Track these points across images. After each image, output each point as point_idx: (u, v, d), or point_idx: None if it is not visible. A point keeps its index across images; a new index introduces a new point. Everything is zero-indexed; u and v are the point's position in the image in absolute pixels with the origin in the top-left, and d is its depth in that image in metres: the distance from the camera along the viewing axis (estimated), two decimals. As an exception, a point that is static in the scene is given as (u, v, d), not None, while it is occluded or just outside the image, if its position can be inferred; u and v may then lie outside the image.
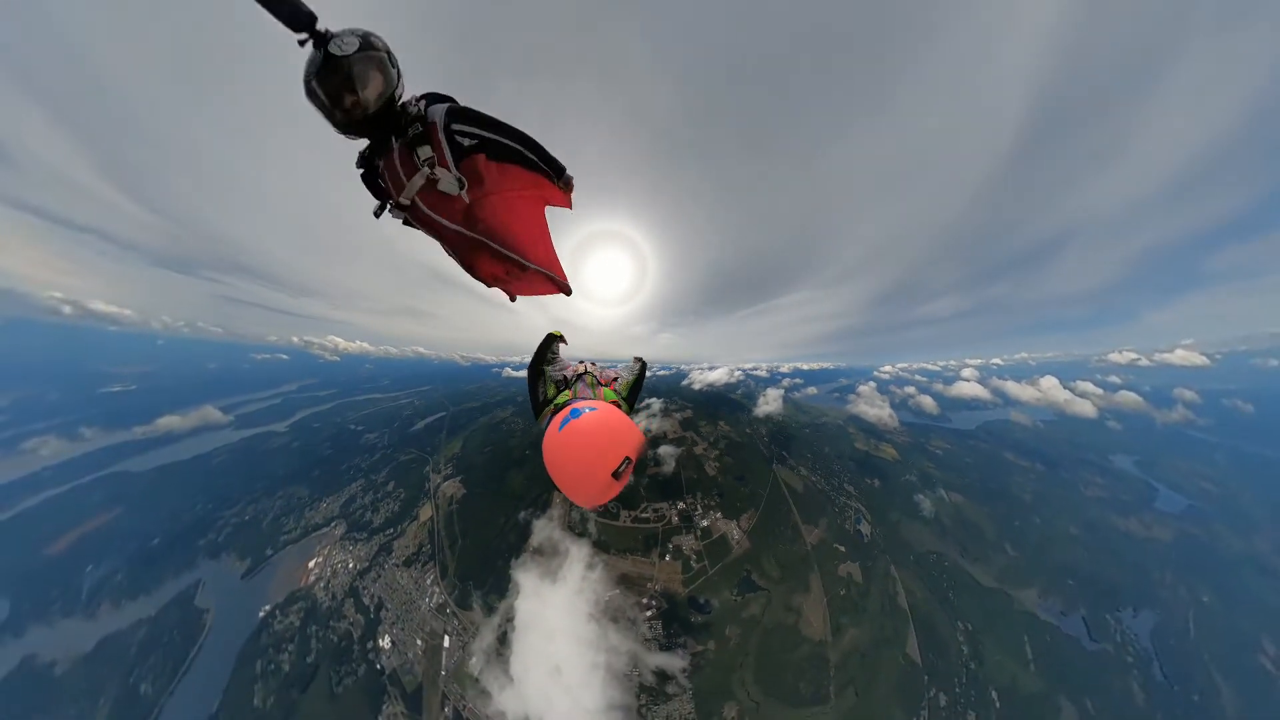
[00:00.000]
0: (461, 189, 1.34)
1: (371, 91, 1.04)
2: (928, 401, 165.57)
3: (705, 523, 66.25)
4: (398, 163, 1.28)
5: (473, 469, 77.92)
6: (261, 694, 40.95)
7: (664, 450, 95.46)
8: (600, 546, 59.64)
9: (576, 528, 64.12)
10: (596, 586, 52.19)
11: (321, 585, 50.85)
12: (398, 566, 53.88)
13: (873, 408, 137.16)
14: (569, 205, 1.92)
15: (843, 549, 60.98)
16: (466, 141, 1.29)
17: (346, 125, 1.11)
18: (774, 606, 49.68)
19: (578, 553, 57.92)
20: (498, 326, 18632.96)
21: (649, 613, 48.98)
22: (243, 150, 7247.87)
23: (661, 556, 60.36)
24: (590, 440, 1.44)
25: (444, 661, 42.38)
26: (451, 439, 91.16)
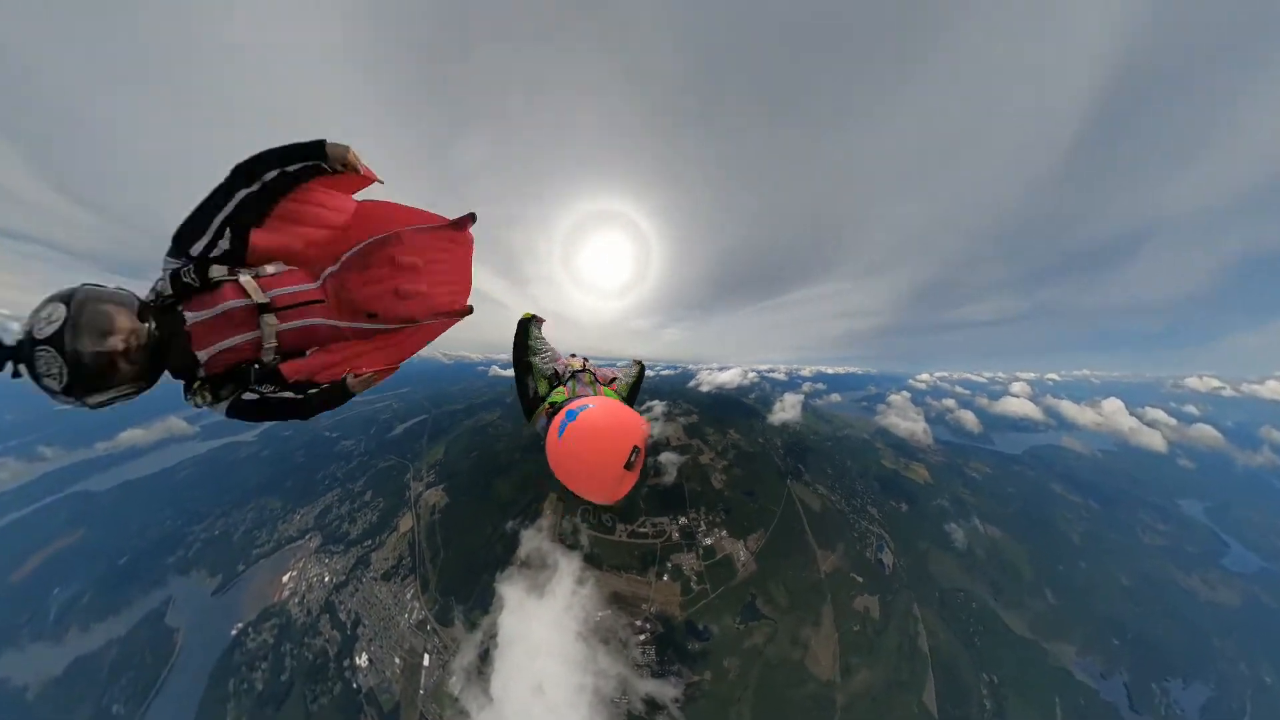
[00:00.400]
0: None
1: (118, 342, 0.85)
2: (969, 418, 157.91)
3: (709, 541, 67.11)
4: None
5: (456, 476, 79.26)
6: (234, 713, 42.57)
7: (666, 458, 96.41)
8: (592, 561, 60.91)
9: (567, 540, 65.42)
10: (587, 604, 53.54)
11: (296, 600, 52.41)
12: (376, 580, 55.34)
13: (905, 421, 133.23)
14: (366, 177, 1.50)
15: (860, 579, 60.91)
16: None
17: (138, 380, 0.94)
18: (779, 638, 50.20)
19: (568, 567, 59.22)
20: (484, 322, 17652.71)
21: (642, 636, 50.18)
22: (187, 139, 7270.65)
23: (659, 576, 61.47)
24: (594, 439, 1.45)
25: (423, 680, 43.81)
26: (434, 444, 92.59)
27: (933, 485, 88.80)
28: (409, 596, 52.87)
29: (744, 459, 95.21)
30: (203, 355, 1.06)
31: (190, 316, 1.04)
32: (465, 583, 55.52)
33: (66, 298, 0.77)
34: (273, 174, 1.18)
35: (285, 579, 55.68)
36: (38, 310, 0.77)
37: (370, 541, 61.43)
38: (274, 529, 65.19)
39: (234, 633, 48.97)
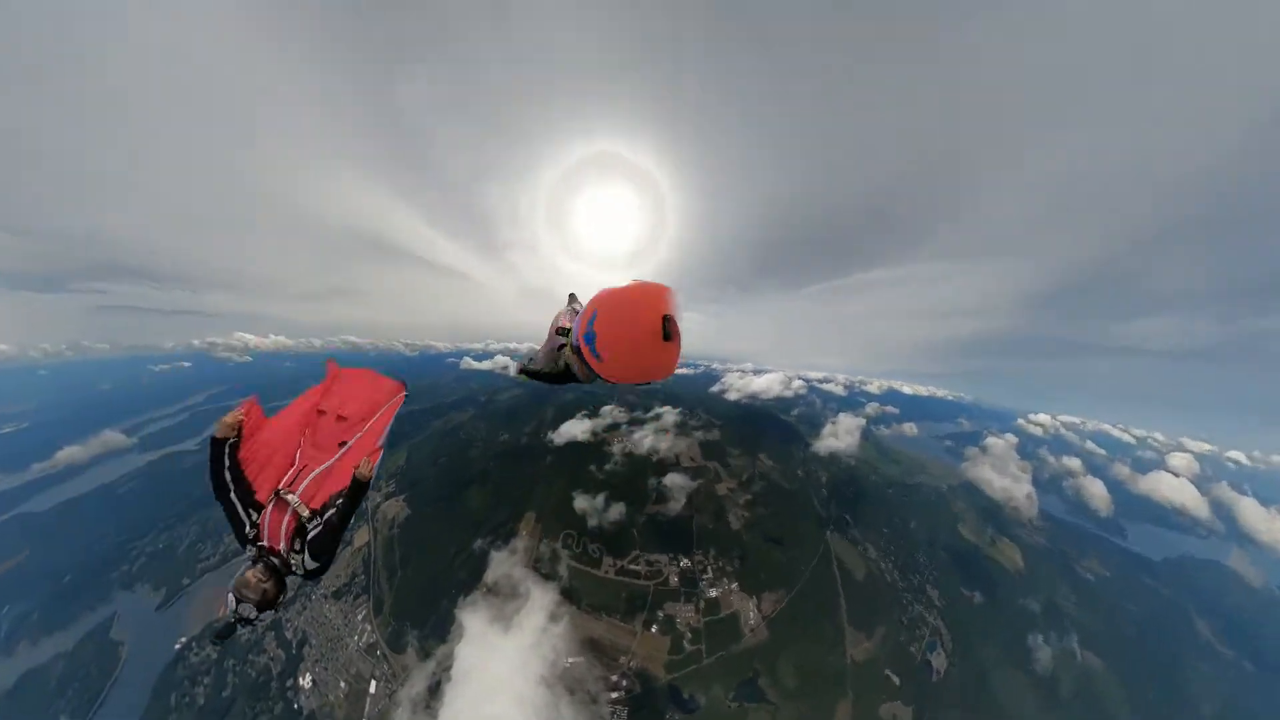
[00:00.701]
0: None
1: (271, 588, 3.18)
2: (1097, 491, 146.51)
3: (713, 593, 71.04)
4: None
5: (420, 486, 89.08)
6: (176, 727, 52.88)
7: (673, 481, 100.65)
8: (570, 596, 67.44)
9: (544, 567, 72.43)
10: (557, 645, 60.50)
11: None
12: (326, 599, 65.03)
13: (1003, 477, 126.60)
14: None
15: (896, 680, 61.63)
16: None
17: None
18: (779, 731, 52.76)
19: (541, 599, 66.15)
20: (455, 303, 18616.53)
21: (615, 694, 55.69)
22: (87, 135, 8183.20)
23: (647, 625, 66.56)
24: (618, 330, 2.23)
25: (367, 708, 51.92)
26: (394, 449, 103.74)
27: (1024, 577, 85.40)
28: (360, 618, 61.79)
29: (774, 494, 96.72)
30: (283, 546, 3.43)
31: (269, 543, 3.48)
32: (423, 606, 63.59)
33: (232, 590, 3.07)
34: (224, 486, 3.55)
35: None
36: (234, 608, 3.01)
37: (320, 557, 71.48)
38: (220, 542, 77.64)
39: (177, 647, 60.28)
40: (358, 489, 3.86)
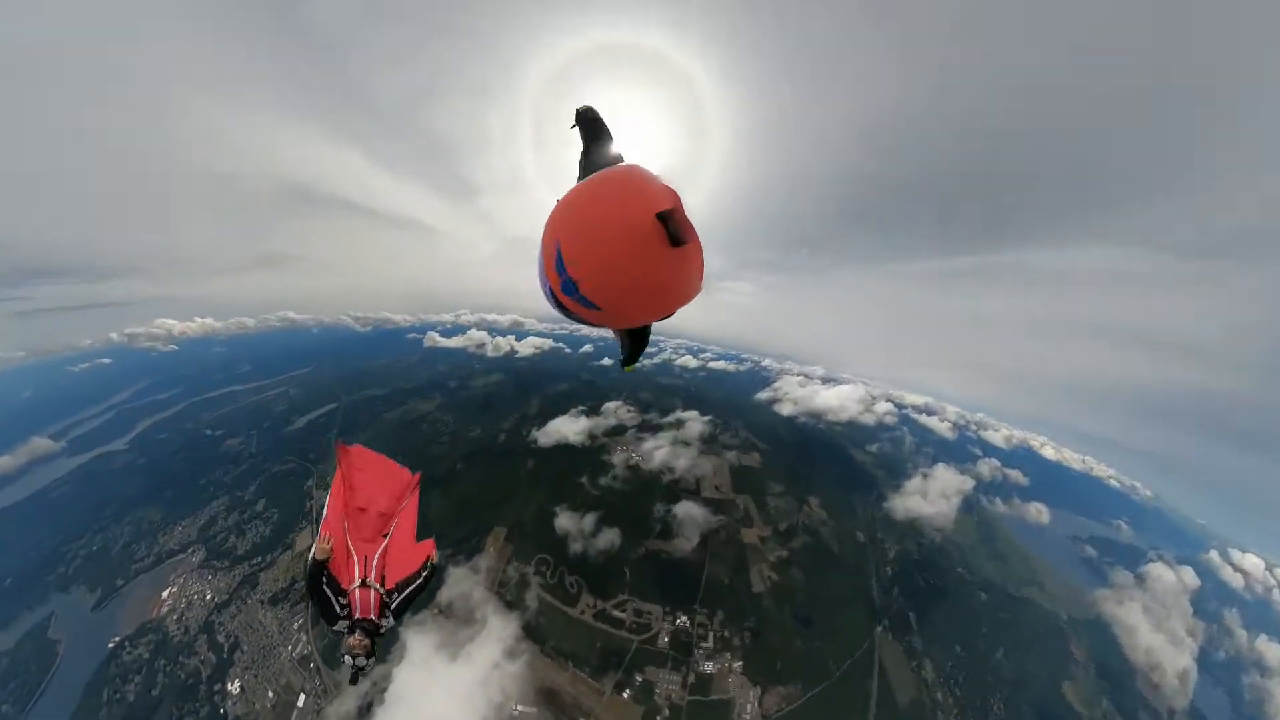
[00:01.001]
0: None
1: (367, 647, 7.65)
2: None
3: (709, 667, 75.00)
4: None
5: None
6: (107, 720, 67.52)
7: (686, 512, 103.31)
8: (533, 634, 76.37)
9: (509, 593, 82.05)
10: (508, 687, 69.00)
11: (175, 618, 78.30)
12: (262, 604, 78.44)
13: (1156, 631, 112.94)
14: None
15: None
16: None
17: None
18: None
19: (499, 630, 75.65)
20: (413, 262, 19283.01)
21: None
22: None
23: (618, 689, 71.42)
24: (598, 256, 2.39)
25: (294, 720, 63.44)
26: (345, 442, 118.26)
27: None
28: (296, 627, 74.42)
29: (819, 558, 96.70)
30: (374, 615, 8.10)
31: (361, 614, 8.15)
32: (363, 620, 75.18)
33: (345, 652, 7.54)
34: (323, 592, 8.10)
35: (165, 595, 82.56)
36: (350, 664, 7.50)
37: (260, 560, 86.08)
38: (154, 542, 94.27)
39: (111, 646, 75.57)
40: (430, 573, 8.71)
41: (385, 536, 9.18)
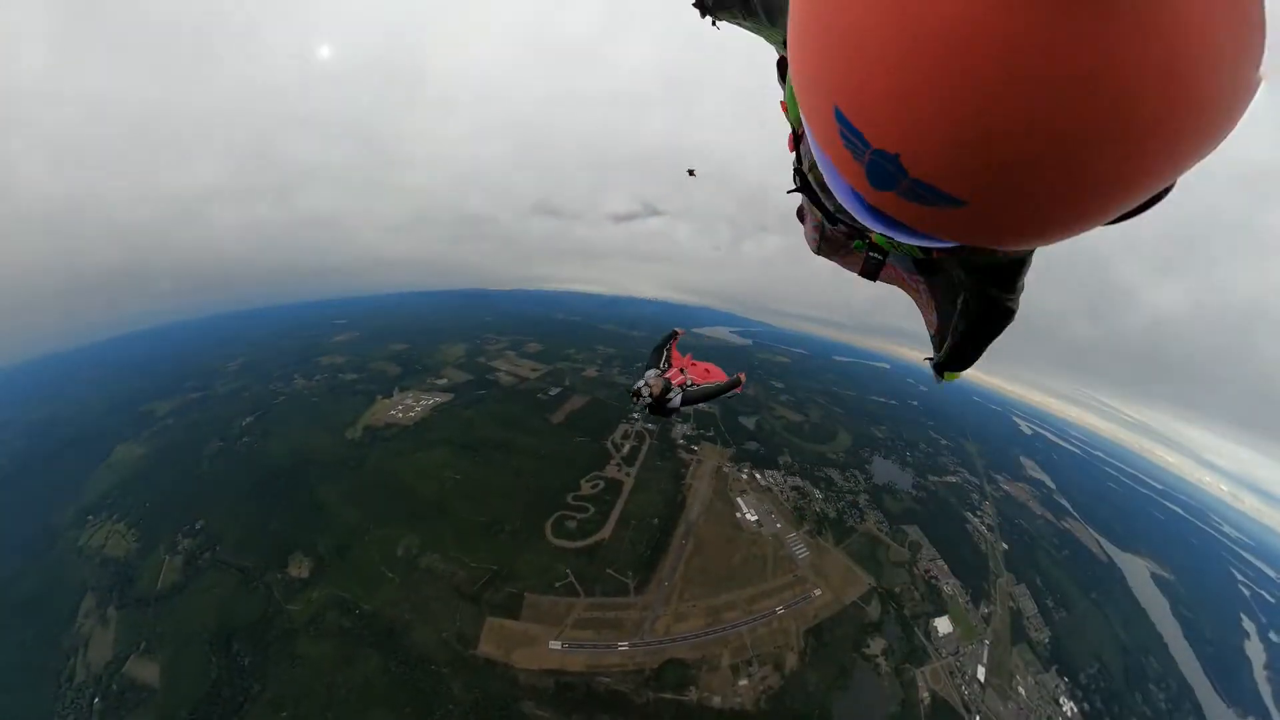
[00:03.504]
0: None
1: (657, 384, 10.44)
2: None
3: None
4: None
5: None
6: None
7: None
8: None
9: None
10: None
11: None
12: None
13: None
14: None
15: None
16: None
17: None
18: None
19: None
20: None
21: None
22: None
23: None
24: (906, 51, 1.16)
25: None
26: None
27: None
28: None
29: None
30: (674, 384, 10.96)
31: (669, 377, 11.15)
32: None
33: (644, 380, 10.64)
34: (660, 350, 12.40)
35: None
36: (638, 387, 10.49)
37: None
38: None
39: None
40: (733, 383, 11.60)
41: (707, 373, 12.76)
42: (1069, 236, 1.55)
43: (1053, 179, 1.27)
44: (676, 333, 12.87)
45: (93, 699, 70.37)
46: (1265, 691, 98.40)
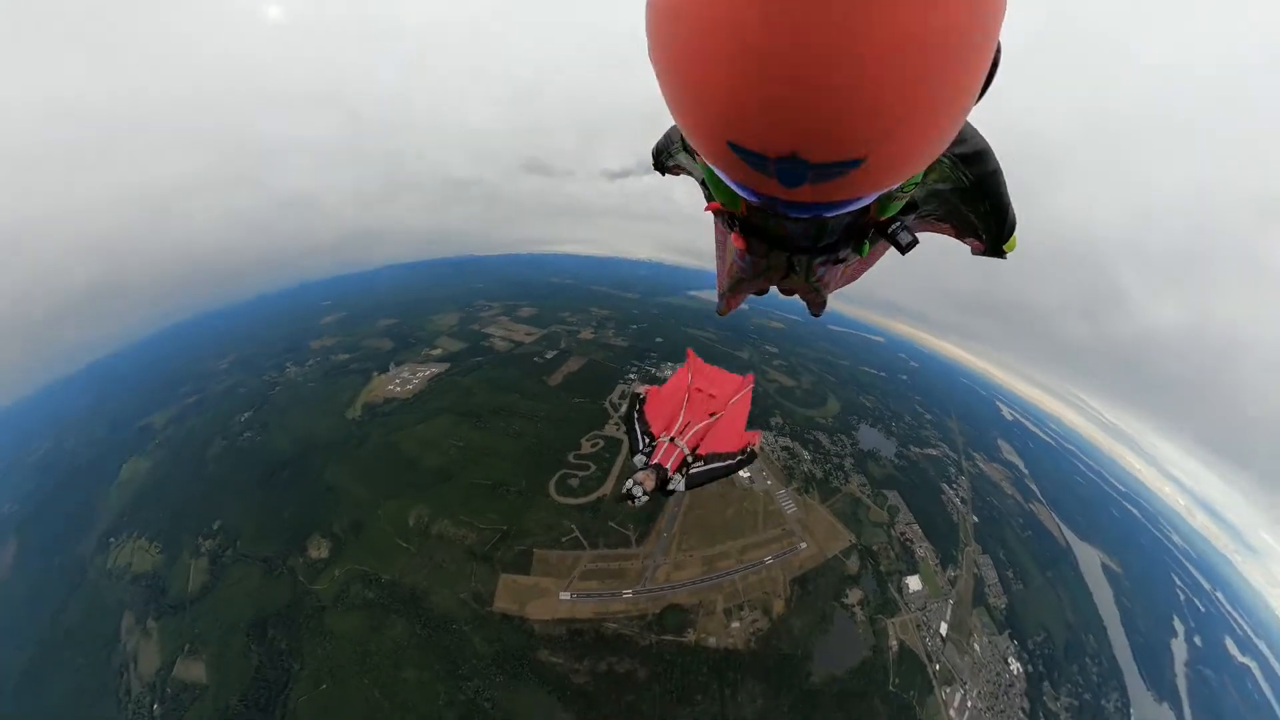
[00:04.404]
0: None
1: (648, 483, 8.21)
2: None
3: None
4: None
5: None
6: None
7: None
8: None
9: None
10: None
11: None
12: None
13: None
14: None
15: None
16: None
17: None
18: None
19: None
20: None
21: None
22: None
23: None
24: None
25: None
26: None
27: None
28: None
29: None
30: (671, 469, 8.72)
31: (660, 461, 8.84)
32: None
33: (633, 478, 8.26)
34: (633, 422, 9.92)
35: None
36: (629, 488, 8.01)
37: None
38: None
39: None
40: (746, 458, 9.31)
41: (713, 417, 10.16)
42: (959, 118, 1.63)
43: (913, 90, 1.31)
44: (645, 393, 10.54)
45: (152, 706, 75.69)
46: (1181, 684, 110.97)
